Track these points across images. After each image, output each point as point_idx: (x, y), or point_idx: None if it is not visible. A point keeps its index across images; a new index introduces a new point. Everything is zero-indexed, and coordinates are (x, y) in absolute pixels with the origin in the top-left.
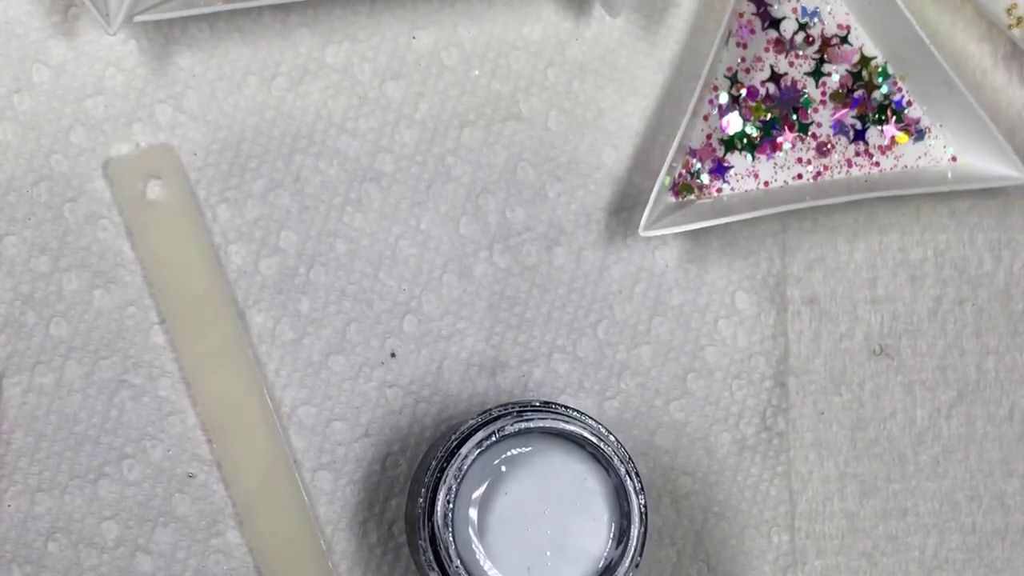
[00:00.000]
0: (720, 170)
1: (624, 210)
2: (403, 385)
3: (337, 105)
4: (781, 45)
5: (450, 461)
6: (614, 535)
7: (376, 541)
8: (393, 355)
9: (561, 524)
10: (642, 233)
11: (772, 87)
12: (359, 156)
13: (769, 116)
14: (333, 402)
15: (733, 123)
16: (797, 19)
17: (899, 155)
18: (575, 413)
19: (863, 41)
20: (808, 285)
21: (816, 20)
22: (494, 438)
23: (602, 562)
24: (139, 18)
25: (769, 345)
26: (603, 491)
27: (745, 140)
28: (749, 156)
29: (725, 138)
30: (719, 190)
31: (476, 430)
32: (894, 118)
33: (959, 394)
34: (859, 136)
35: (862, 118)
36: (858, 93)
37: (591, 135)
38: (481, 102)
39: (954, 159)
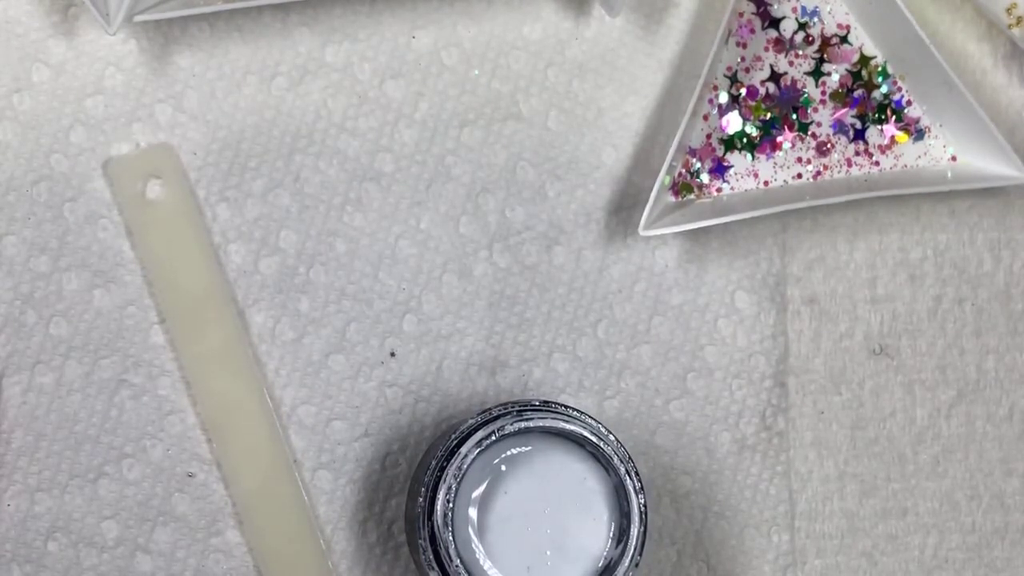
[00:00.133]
0: (720, 170)
1: (624, 210)
2: (403, 385)
3: (337, 105)
4: (781, 45)
5: (450, 460)
6: (614, 535)
7: (376, 540)
8: (393, 355)
9: (561, 523)
10: (642, 233)
11: (772, 87)
12: (359, 156)
13: (769, 116)
14: (333, 402)
15: (733, 123)
16: (797, 19)
17: (899, 155)
18: (575, 412)
19: (863, 41)
20: (808, 285)
21: (816, 20)
22: (494, 437)
23: (602, 561)
24: (139, 18)
25: (769, 345)
26: (603, 491)
27: (745, 140)
28: (749, 156)
29: (725, 138)
30: (719, 190)
31: (476, 429)
32: (894, 118)
33: (959, 394)
34: (859, 136)
35: (862, 118)
36: (858, 93)
37: (591, 135)
38: (481, 102)
39: (954, 159)
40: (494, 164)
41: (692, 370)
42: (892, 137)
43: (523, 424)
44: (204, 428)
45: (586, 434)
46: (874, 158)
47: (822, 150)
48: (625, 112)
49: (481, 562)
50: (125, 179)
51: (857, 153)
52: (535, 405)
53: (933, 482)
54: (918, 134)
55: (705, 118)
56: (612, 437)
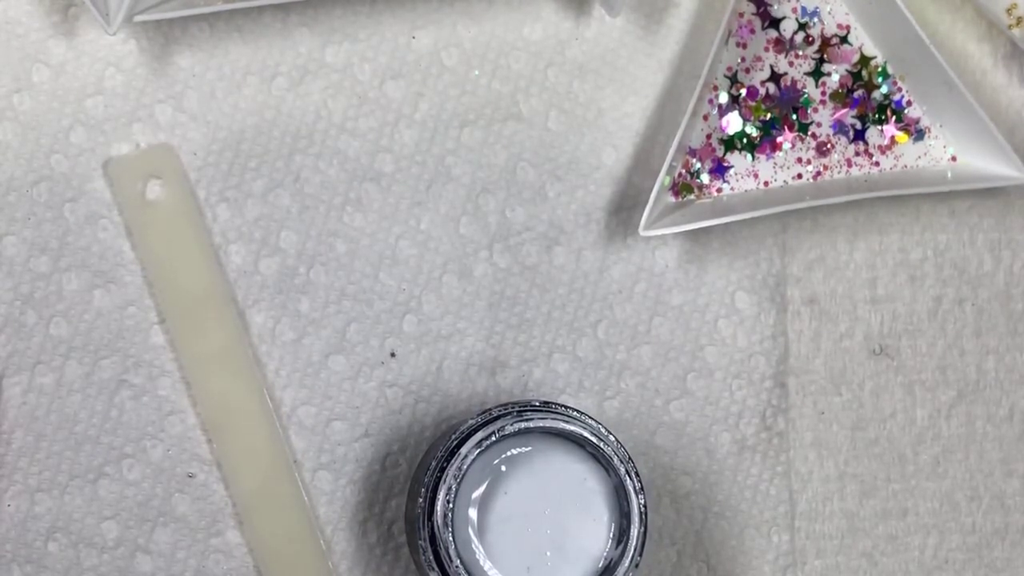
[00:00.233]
0: (720, 170)
1: (624, 210)
2: (403, 385)
3: (337, 105)
4: (781, 45)
5: (450, 461)
6: (614, 535)
7: (376, 541)
8: (393, 355)
9: (561, 524)
10: (642, 233)
11: (772, 87)
12: (359, 156)
13: (769, 116)
14: (333, 402)
15: (733, 123)
16: (797, 19)
17: (899, 155)
18: (575, 413)
19: (863, 41)
20: (808, 285)
21: (816, 20)
22: (494, 438)
23: (602, 562)
24: (139, 18)
25: (769, 345)
26: (603, 491)
27: (745, 140)
28: (749, 156)
29: (725, 138)
30: (719, 190)
31: (476, 430)
32: (894, 118)
33: (959, 394)
34: (859, 136)
35: (862, 118)
36: (858, 93)
37: (591, 135)
38: (481, 102)
39: (954, 159)
40: (494, 164)
41: (692, 370)
42: (892, 137)
43: (523, 424)
44: (204, 428)
45: (586, 435)
46: (874, 158)
47: (822, 150)
48: (625, 112)
49: (481, 562)
50: (125, 179)
51: (857, 153)
52: (535, 406)
53: (933, 483)
54: (918, 134)
55: (705, 118)
56: (612, 438)
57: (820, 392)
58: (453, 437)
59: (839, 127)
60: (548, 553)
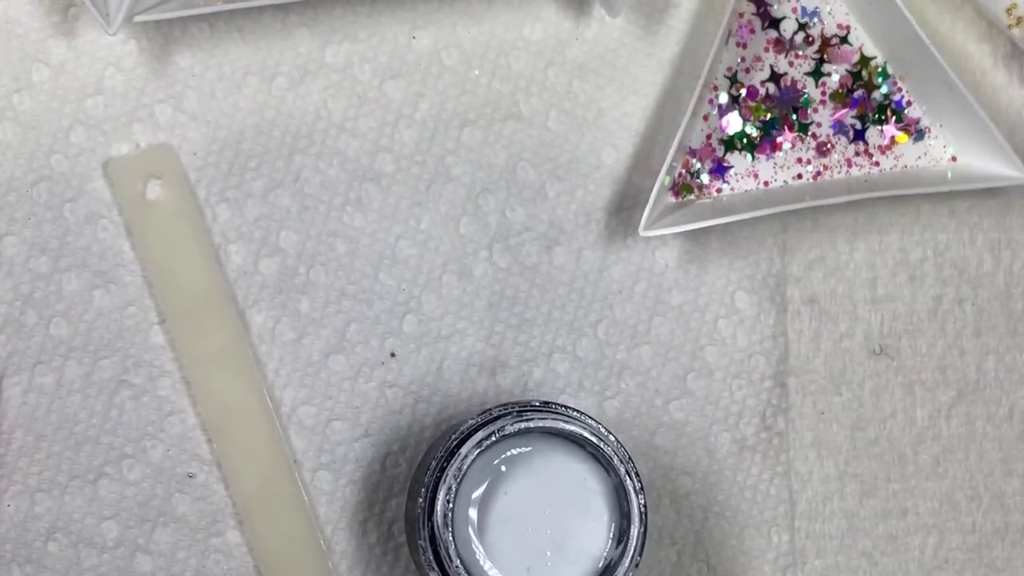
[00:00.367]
0: (720, 170)
1: (624, 210)
2: (403, 385)
3: (337, 105)
4: (781, 45)
5: (450, 461)
6: (614, 535)
7: (376, 541)
8: (393, 355)
9: (561, 524)
10: (642, 233)
11: (772, 87)
12: (359, 156)
13: (769, 116)
14: (333, 402)
15: (733, 123)
16: (797, 19)
17: (899, 155)
18: (575, 413)
19: (863, 41)
20: (808, 285)
21: (816, 20)
22: (494, 438)
23: (602, 562)
24: (139, 18)
25: (769, 345)
26: (603, 491)
27: (745, 140)
28: (749, 156)
29: (725, 138)
30: (719, 190)
31: (476, 430)
32: (894, 118)
33: (959, 394)
34: (859, 136)
35: (862, 118)
36: (858, 93)
37: (591, 135)
38: (481, 102)
39: (954, 159)
40: (494, 164)
41: (692, 370)
42: (892, 137)
43: (523, 425)
44: (204, 429)
45: (586, 435)
46: (874, 158)
47: (822, 150)
48: (625, 112)
49: (481, 562)
50: (125, 179)
51: (857, 153)
52: (535, 406)
53: (933, 482)
54: (918, 134)
55: (705, 118)
56: (612, 438)
57: (820, 392)
58: (453, 437)
59: (839, 127)
60: (548, 553)
